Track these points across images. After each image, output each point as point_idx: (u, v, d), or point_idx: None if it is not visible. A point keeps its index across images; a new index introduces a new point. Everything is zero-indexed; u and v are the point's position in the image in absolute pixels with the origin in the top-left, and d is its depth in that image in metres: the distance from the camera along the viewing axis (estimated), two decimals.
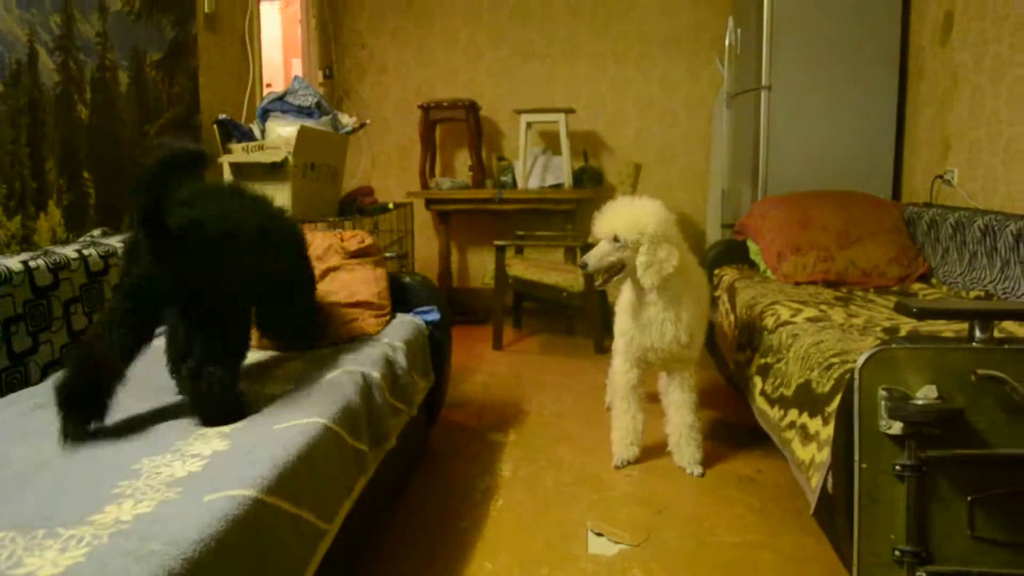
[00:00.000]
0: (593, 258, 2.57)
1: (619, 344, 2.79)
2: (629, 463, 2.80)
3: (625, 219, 2.55)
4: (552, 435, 3.12)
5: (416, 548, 2.26)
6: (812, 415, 2.08)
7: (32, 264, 2.17)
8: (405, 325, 2.64)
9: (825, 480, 1.86)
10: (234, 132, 3.20)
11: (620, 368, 2.80)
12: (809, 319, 2.65)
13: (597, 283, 2.63)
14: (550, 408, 3.46)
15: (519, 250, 5.03)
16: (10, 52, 2.50)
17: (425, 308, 2.85)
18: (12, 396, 1.94)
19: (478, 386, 3.82)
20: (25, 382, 2.10)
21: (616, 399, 2.83)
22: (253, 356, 2.33)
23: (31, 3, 2.59)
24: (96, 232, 2.81)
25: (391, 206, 4.00)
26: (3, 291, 2.04)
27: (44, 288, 2.20)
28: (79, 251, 2.41)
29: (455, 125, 5.55)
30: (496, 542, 2.27)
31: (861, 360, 1.57)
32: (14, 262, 2.12)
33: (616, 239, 2.54)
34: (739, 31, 4.36)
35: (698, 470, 2.74)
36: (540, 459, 2.88)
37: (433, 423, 2.96)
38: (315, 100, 3.35)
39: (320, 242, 2.77)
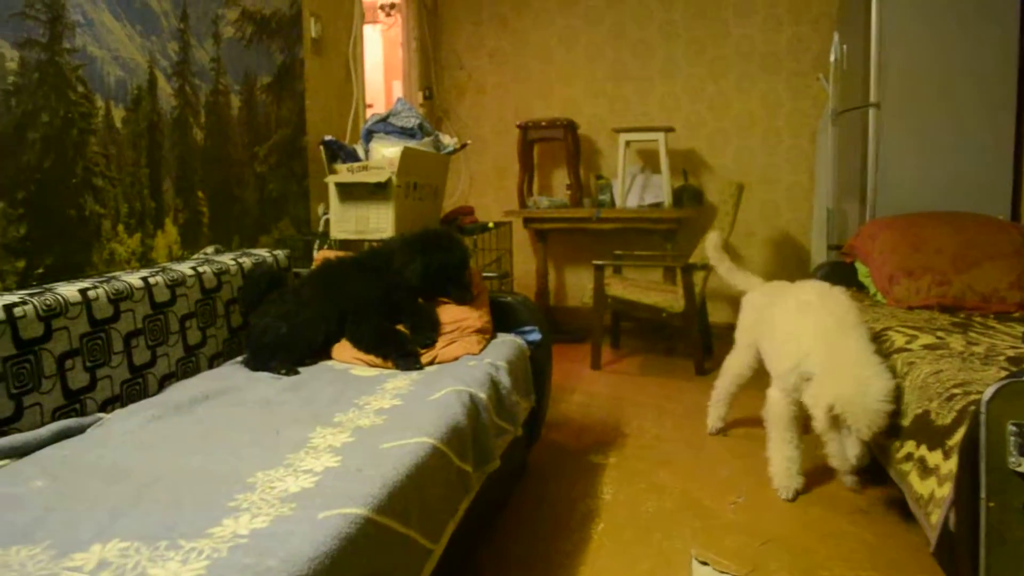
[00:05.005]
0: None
1: (783, 383, 2.68)
2: (798, 492, 2.70)
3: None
4: (653, 458, 3.07)
5: (517, 569, 2.24)
6: (932, 448, 1.98)
7: (151, 280, 2.25)
8: (507, 345, 2.63)
9: (946, 517, 1.76)
10: (339, 152, 3.26)
11: (777, 398, 2.70)
12: (926, 346, 2.52)
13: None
14: (650, 431, 3.40)
15: (617, 269, 4.98)
16: (132, 78, 2.61)
17: (527, 328, 2.84)
18: (132, 407, 2.01)
19: (576, 406, 3.79)
20: (143, 393, 2.17)
21: (775, 429, 2.72)
22: (360, 372, 2.37)
23: (151, 31, 2.70)
24: (209, 250, 2.90)
25: (491, 225, 4.01)
26: (125, 306, 2.12)
27: (162, 304, 2.28)
28: (194, 268, 2.49)
29: (553, 144, 5.56)
30: (598, 566, 2.24)
31: (989, 393, 1.49)
32: (135, 278, 2.20)
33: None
34: (844, 46, 4.24)
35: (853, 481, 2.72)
36: (641, 483, 2.83)
37: (533, 442, 2.94)
38: (417, 122, 3.39)
39: None
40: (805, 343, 2.51)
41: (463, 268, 2.77)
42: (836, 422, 2.37)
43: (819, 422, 2.37)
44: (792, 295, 2.74)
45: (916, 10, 3.76)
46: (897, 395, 2.29)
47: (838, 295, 2.64)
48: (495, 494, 2.44)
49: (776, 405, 2.71)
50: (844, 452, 2.62)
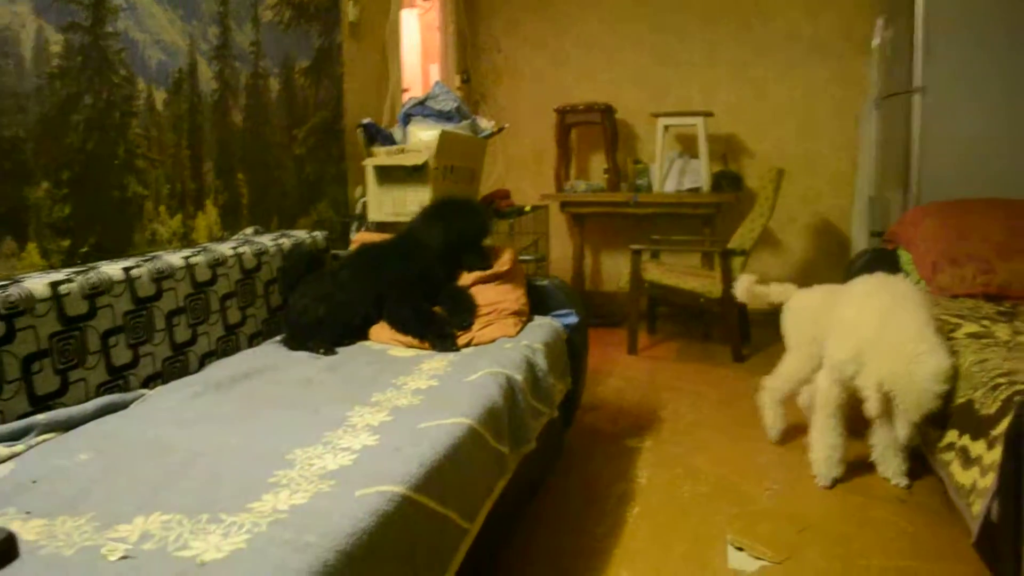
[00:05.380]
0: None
1: (838, 374, 2.63)
2: (837, 481, 2.67)
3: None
4: (689, 444, 3.05)
5: (552, 550, 2.25)
6: (974, 437, 1.95)
7: (192, 260, 2.28)
8: (544, 328, 2.63)
9: (989, 508, 1.73)
10: (377, 136, 3.27)
11: (827, 385, 2.65)
12: (970, 335, 2.48)
13: None
14: (686, 416, 3.39)
15: (654, 254, 4.95)
16: (173, 61, 2.64)
17: (563, 311, 2.84)
18: (173, 384, 2.04)
19: (612, 390, 3.78)
20: (185, 371, 2.21)
21: (821, 415, 2.67)
22: (398, 352, 2.38)
23: (192, 15, 2.72)
24: (249, 230, 2.93)
25: (528, 209, 4.01)
26: (167, 285, 2.15)
27: (203, 283, 2.31)
28: (234, 249, 2.51)
29: (590, 128, 5.52)
30: (632, 549, 2.23)
31: None
32: (176, 258, 2.23)
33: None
34: (890, 30, 4.15)
35: (904, 482, 2.62)
36: (677, 467, 2.82)
37: (569, 425, 2.94)
38: (455, 105, 3.38)
39: None
40: (865, 331, 2.44)
41: (484, 233, 2.81)
42: (889, 405, 2.34)
43: (871, 403, 2.34)
44: (855, 285, 2.68)
45: None
46: (953, 376, 2.23)
47: (899, 280, 2.61)
48: (531, 476, 2.45)
49: (825, 392, 2.66)
50: (888, 452, 2.59)
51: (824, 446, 2.66)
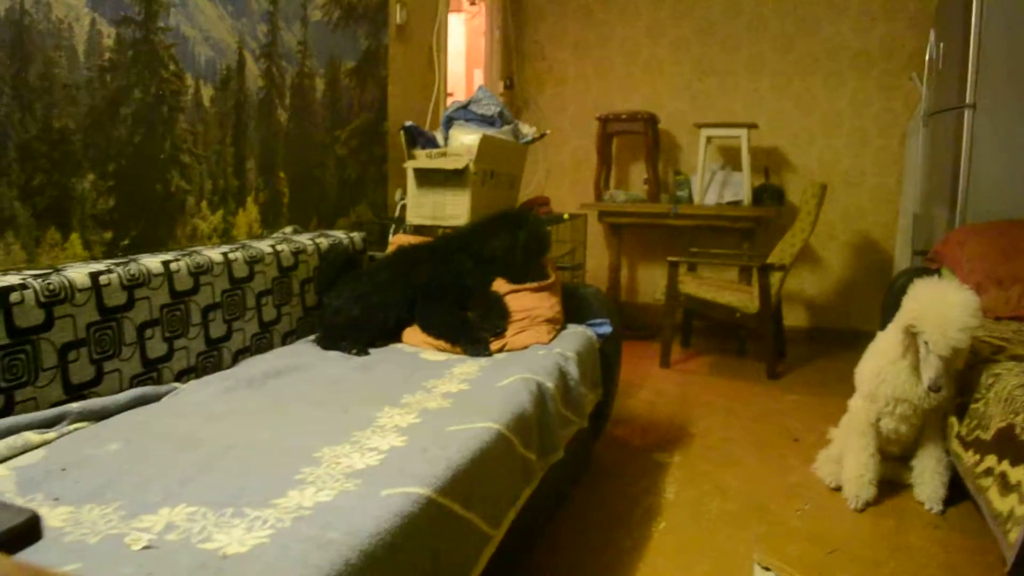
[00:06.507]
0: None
1: (865, 388, 2.63)
2: (868, 504, 2.62)
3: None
4: (718, 460, 3.02)
5: (577, 562, 2.23)
6: (1014, 463, 1.90)
7: (231, 256, 2.30)
8: (577, 336, 2.61)
9: None
10: (419, 138, 3.28)
11: (860, 405, 2.64)
12: (1013, 358, 2.42)
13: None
14: (717, 432, 3.35)
15: (692, 267, 4.91)
16: (221, 58, 2.67)
17: (597, 321, 2.82)
18: (206, 378, 2.06)
19: (643, 403, 3.75)
20: (218, 366, 2.23)
21: (853, 436, 2.65)
22: (430, 356, 2.39)
23: (241, 13, 2.75)
24: (288, 229, 2.95)
25: (567, 216, 4.00)
26: (205, 280, 2.17)
27: (240, 280, 2.33)
28: (273, 247, 2.53)
29: (632, 138, 5.50)
30: (657, 565, 2.21)
31: None
32: (215, 253, 2.26)
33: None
34: (941, 45, 4.08)
35: (938, 507, 2.56)
36: (705, 484, 2.79)
37: (598, 437, 2.92)
38: (498, 110, 3.38)
39: None
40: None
41: (547, 244, 2.81)
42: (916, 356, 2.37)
43: (897, 345, 2.42)
44: None
45: (1018, 7, 3.59)
46: (978, 312, 2.29)
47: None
48: (558, 486, 2.43)
49: (858, 412, 2.64)
50: (927, 474, 2.54)
51: (856, 465, 2.62)
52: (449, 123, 3.39)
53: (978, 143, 3.69)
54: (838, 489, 2.72)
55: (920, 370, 2.41)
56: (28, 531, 0.75)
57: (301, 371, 2.14)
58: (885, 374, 2.52)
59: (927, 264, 3.77)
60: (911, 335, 2.40)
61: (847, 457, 2.66)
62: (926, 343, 2.33)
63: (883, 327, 3.79)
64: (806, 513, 2.58)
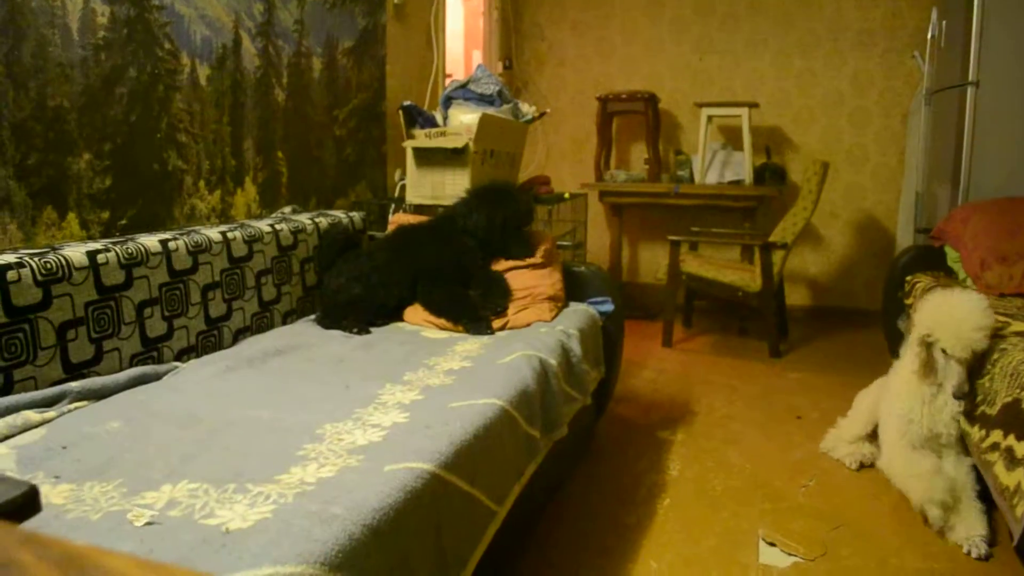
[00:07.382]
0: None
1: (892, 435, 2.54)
2: (863, 465, 2.67)
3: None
4: (722, 437, 3.01)
5: (580, 538, 2.23)
6: (1020, 437, 1.89)
7: (230, 235, 2.28)
8: (579, 314, 2.60)
9: None
10: (418, 118, 3.25)
11: (895, 439, 2.52)
12: (1018, 333, 2.41)
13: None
14: (720, 410, 3.34)
15: (693, 246, 4.88)
16: (217, 37, 2.64)
17: (599, 299, 2.81)
18: (206, 357, 2.04)
19: (646, 382, 3.74)
20: (218, 345, 2.21)
21: (897, 447, 2.51)
22: (431, 334, 2.37)
23: None
24: (287, 209, 2.93)
25: (567, 196, 3.97)
26: (204, 259, 2.15)
27: (239, 259, 2.31)
28: (272, 226, 2.52)
29: (632, 118, 5.46)
30: (662, 541, 2.20)
31: None
32: (214, 232, 2.24)
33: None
34: (944, 22, 4.04)
35: (979, 551, 2.11)
36: (708, 461, 2.78)
37: (601, 415, 2.91)
38: (497, 89, 3.36)
39: None
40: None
41: (527, 220, 2.79)
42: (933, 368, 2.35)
43: (915, 358, 2.39)
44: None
45: None
46: (991, 313, 2.33)
47: None
48: (561, 463, 2.43)
49: (895, 448, 2.52)
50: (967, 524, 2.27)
51: (927, 489, 2.32)
52: (448, 102, 3.36)
53: (981, 120, 3.66)
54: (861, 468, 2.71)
55: (943, 385, 2.35)
56: (26, 503, 0.73)
57: (302, 350, 2.13)
58: (913, 415, 2.43)
59: (930, 242, 3.75)
60: (927, 348, 2.35)
61: (909, 481, 2.43)
62: (943, 351, 2.29)
63: (884, 307, 3.80)
64: (810, 489, 2.57)
